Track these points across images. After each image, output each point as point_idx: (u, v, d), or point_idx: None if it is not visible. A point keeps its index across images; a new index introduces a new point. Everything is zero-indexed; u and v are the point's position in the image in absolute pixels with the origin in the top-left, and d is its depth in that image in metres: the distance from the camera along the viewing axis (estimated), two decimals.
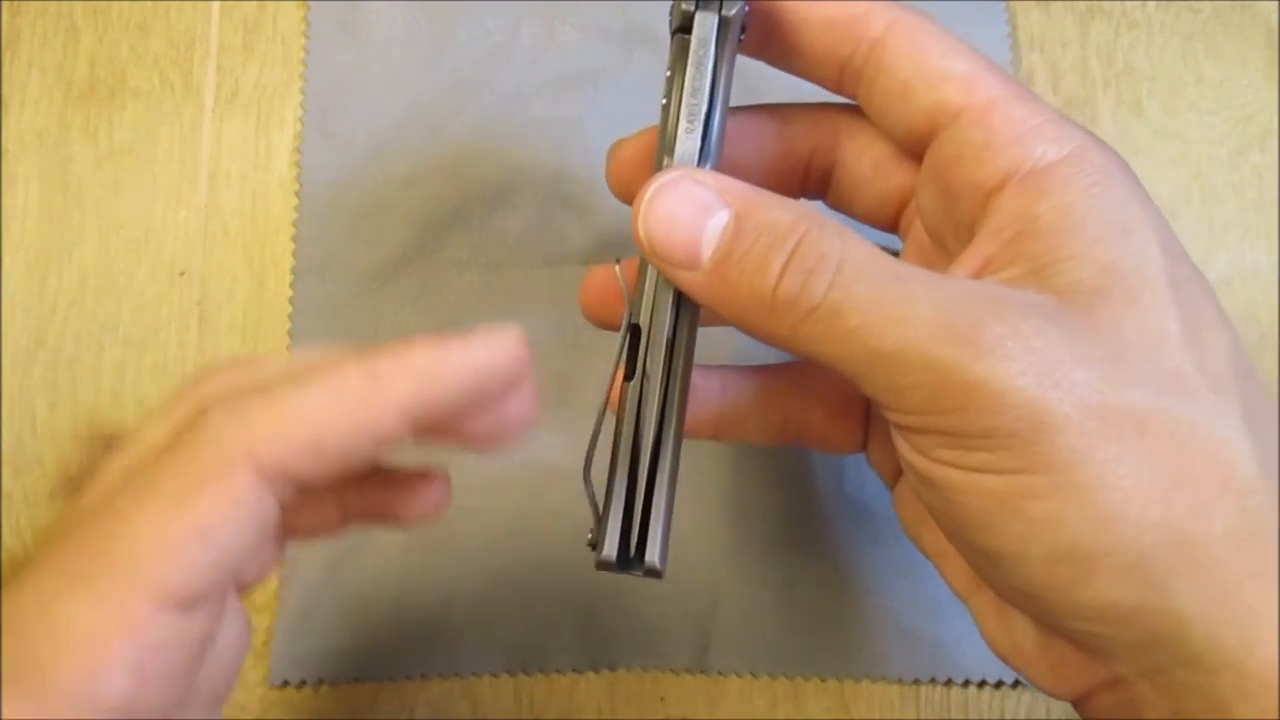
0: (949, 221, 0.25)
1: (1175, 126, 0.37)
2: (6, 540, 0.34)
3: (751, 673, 0.34)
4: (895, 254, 0.28)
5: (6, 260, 0.36)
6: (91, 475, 0.23)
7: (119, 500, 0.20)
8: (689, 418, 0.25)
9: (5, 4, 0.38)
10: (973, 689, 0.33)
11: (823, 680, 0.34)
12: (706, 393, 0.28)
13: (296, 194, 0.37)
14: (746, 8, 0.24)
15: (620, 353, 0.24)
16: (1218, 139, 0.37)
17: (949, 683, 0.33)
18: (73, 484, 0.34)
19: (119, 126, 0.37)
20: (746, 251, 0.22)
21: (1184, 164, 0.37)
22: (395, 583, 0.34)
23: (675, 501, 0.24)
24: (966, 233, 0.24)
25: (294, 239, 0.36)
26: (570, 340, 0.35)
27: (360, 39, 0.38)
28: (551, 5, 0.38)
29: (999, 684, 0.33)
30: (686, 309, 0.24)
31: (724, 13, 0.24)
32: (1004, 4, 0.38)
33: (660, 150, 0.24)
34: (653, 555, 0.23)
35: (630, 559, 0.23)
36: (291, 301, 0.36)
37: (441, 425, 0.22)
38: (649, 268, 0.24)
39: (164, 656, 0.20)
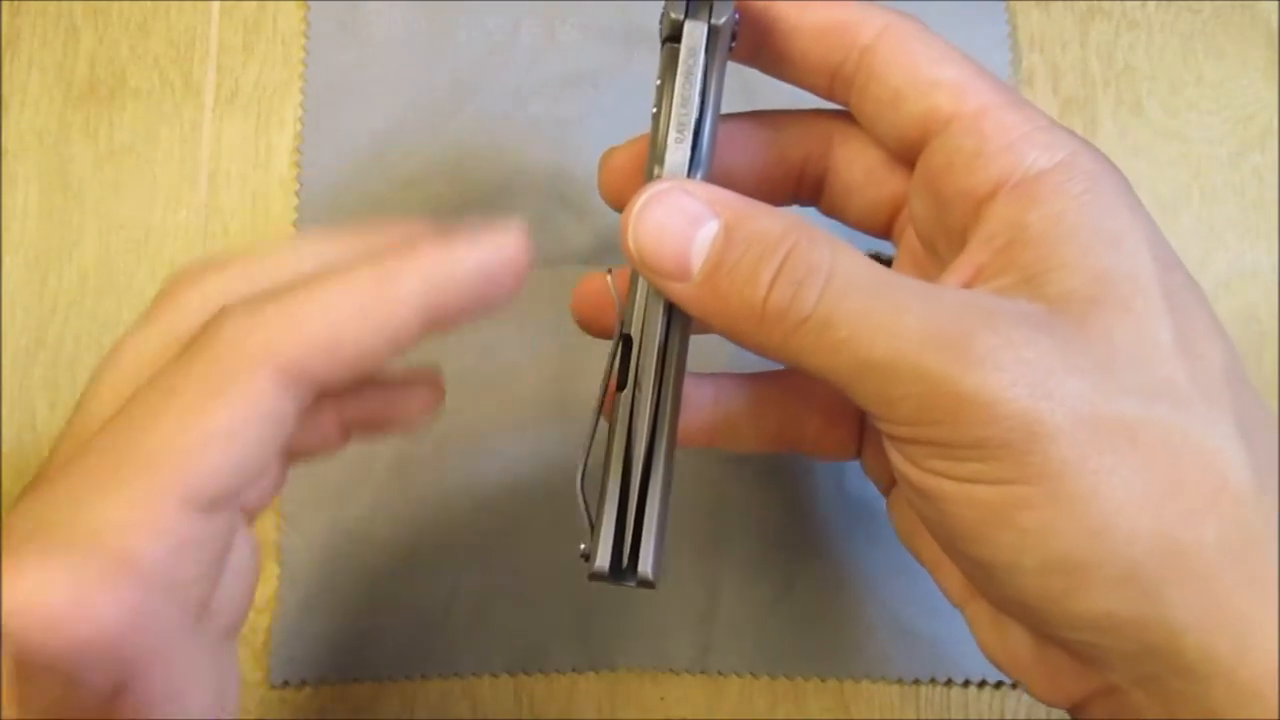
0: (941, 229, 0.25)
1: (1175, 126, 0.37)
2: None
3: (751, 673, 0.34)
4: (890, 259, 0.28)
5: (6, 260, 0.36)
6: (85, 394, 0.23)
7: (139, 406, 0.20)
8: (683, 426, 0.25)
9: (5, 4, 0.38)
10: (973, 689, 0.33)
11: (823, 680, 0.34)
12: (700, 401, 0.28)
13: (296, 194, 0.37)
14: (736, 16, 0.24)
15: (612, 363, 0.24)
16: (1218, 139, 0.37)
17: (949, 683, 0.33)
18: None
19: (119, 126, 0.37)
20: (736, 262, 0.22)
21: (1184, 164, 0.37)
22: (395, 583, 0.34)
23: (669, 512, 0.24)
24: (958, 240, 0.24)
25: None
26: (569, 340, 0.35)
27: (360, 39, 0.38)
28: (551, 5, 0.38)
29: (999, 684, 0.33)
30: (678, 319, 0.24)
31: (713, 21, 0.24)
32: (1004, 4, 0.38)
33: (651, 160, 0.24)
34: (645, 566, 0.23)
35: (623, 570, 0.23)
36: None
37: (450, 321, 0.22)
38: (640, 278, 0.24)
39: (190, 556, 0.20)
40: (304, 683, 0.33)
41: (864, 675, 0.33)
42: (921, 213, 0.25)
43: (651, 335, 0.24)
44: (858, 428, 0.29)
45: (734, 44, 0.25)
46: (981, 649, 0.25)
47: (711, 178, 0.24)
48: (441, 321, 0.21)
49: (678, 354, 0.24)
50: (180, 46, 0.38)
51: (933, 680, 0.33)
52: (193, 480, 0.19)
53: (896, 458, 0.22)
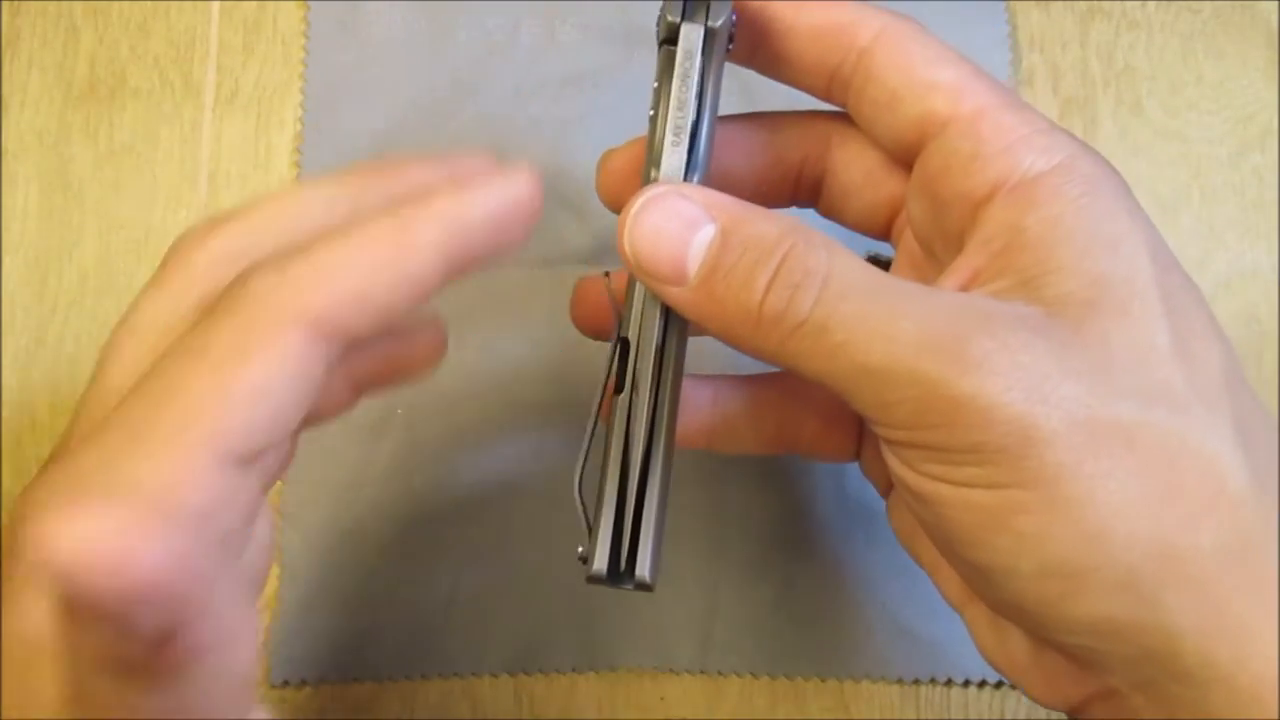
0: (938, 232, 0.24)
1: (1175, 126, 0.37)
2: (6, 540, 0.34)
3: (751, 673, 0.34)
4: (889, 261, 0.28)
5: (6, 260, 0.36)
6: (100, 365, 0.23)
7: (169, 367, 0.20)
8: (681, 428, 0.25)
9: (5, 4, 0.38)
10: (973, 689, 0.33)
11: (823, 680, 0.34)
12: (699, 403, 0.28)
13: None
14: (734, 18, 0.24)
15: (610, 366, 0.24)
16: (1218, 139, 0.37)
17: (949, 683, 0.33)
18: None
19: (119, 126, 0.37)
20: (732, 266, 0.22)
21: (1184, 164, 0.37)
22: (395, 582, 0.34)
23: (666, 515, 0.24)
24: (956, 243, 0.24)
25: None
26: (569, 340, 0.35)
27: (360, 39, 0.38)
28: (551, 5, 0.38)
29: (999, 684, 0.33)
30: (675, 322, 0.24)
31: (710, 24, 0.24)
32: (1004, 4, 0.38)
33: (648, 163, 0.24)
34: (643, 569, 0.23)
35: (621, 573, 0.23)
36: None
37: (469, 266, 0.22)
38: (637, 281, 0.24)
39: (226, 512, 0.20)
40: (304, 682, 0.33)
41: (864, 675, 0.33)
42: (919, 215, 0.25)
43: (649, 339, 0.24)
44: (856, 430, 0.29)
45: (731, 45, 0.25)
46: (980, 652, 0.25)
47: (709, 180, 0.24)
48: (462, 267, 0.21)
49: (675, 357, 0.24)
50: (180, 46, 0.38)
51: (933, 680, 0.33)
52: (227, 437, 0.19)
53: (893, 462, 0.22)
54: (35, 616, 0.19)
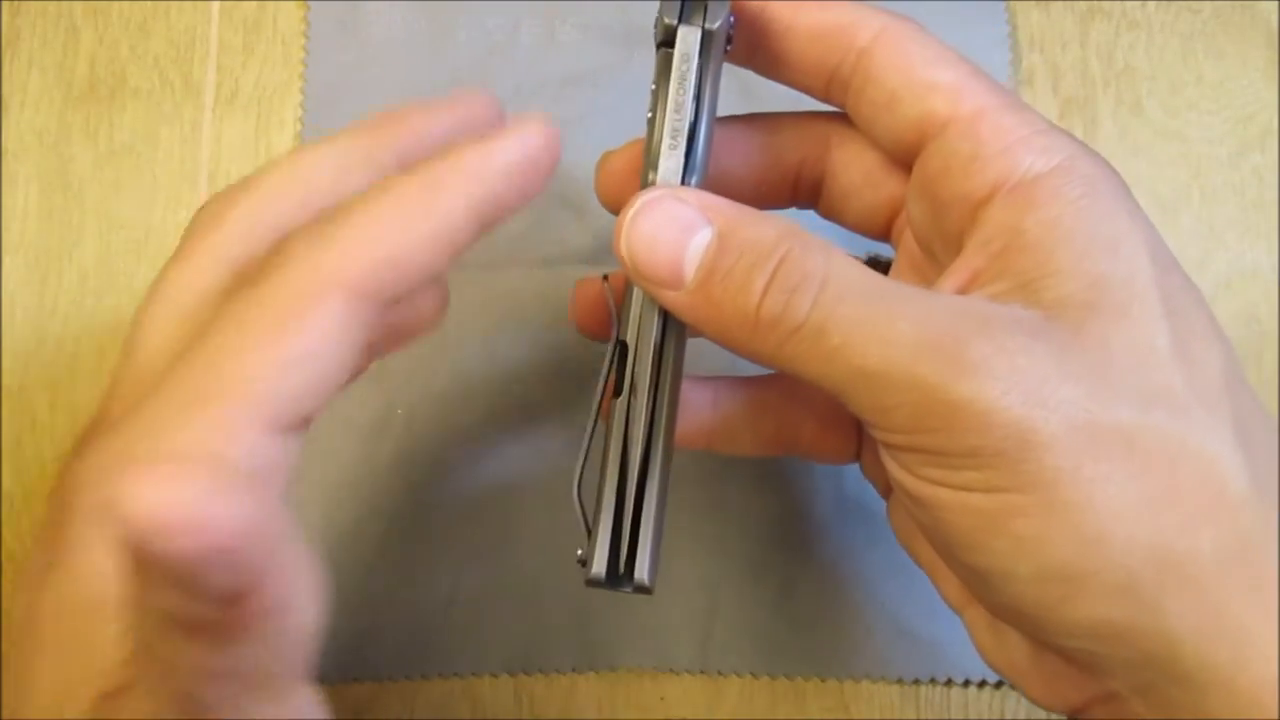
0: (938, 233, 0.24)
1: (1175, 126, 0.37)
2: (6, 540, 0.34)
3: (751, 673, 0.34)
4: (889, 262, 0.28)
5: (6, 260, 0.36)
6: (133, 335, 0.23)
7: (214, 337, 0.20)
8: (681, 429, 0.25)
9: (5, 4, 0.38)
10: (973, 689, 0.33)
11: (823, 680, 0.34)
12: (699, 404, 0.28)
13: None
14: (731, 19, 0.24)
15: (608, 369, 0.24)
16: (1218, 139, 0.37)
17: (949, 683, 0.33)
18: None
19: (119, 126, 0.37)
20: (729, 270, 0.22)
21: (1184, 164, 0.37)
22: (395, 583, 0.34)
23: (665, 518, 0.24)
24: (955, 244, 0.24)
25: None
26: (569, 339, 0.35)
27: (360, 39, 0.38)
28: (551, 5, 0.38)
29: (999, 684, 0.33)
30: (673, 325, 0.24)
31: (707, 26, 0.24)
32: (1004, 4, 0.38)
33: (645, 166, 0.24)
34: (642, 572, 0.23)
35: (620, 576, 0.23)
36: None
37: (497, 219, 0.22)
38: (635, 284, 0.24)
39: (275, 478, 0.20)
40: None
41: (864, 675, 0.33)
42: (919, 216, 0.25)
43: (647, 342, 0.24)
44: (856, 431, 0.29)
45: (729, 46, 0.25)
46: (980, 654, 0.25)
47: (707, 182, 0.24)
48: (491, 220, 0.22)
49: (674, 360, 0.24)
50: (180, 46, 0.38)
51: (933, 680, 0.33)
52: (275, 404, 0.20)
53: (892, 465, 0.22)
54: (97, 575, 0.20)
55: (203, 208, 0.23)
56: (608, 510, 0.23)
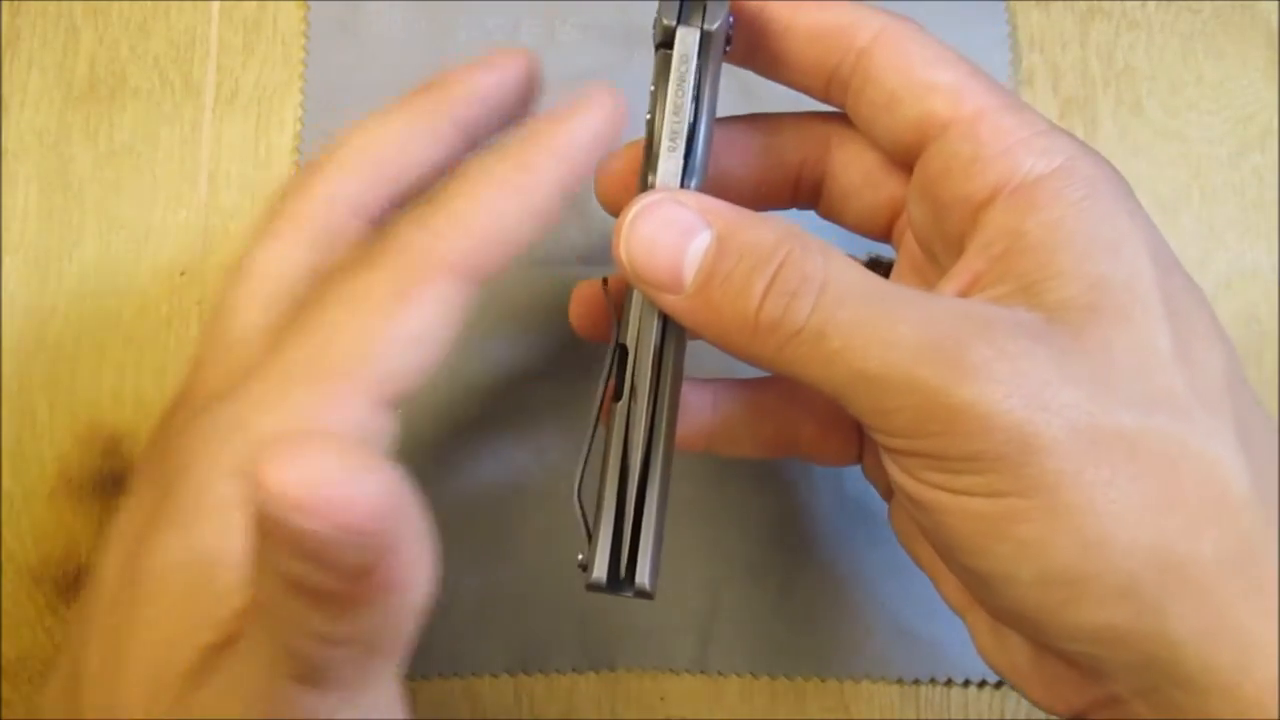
0: (939, 235, 0.24)
1: (1175, 126, 0.37)
2: (6, 540, 0.34)
3: (751, 673, 0.34)
4: (890, 263, 0.28)
5: (6, 260, 0.36)
6: (221, 307, 0.24)
7: (324, 315, 0.21)
8: (681, 432, 0.25)
9: (5, 4, 0.38)
10: (973, 689, 0.33)
11: (823, 680, 0.34)
12: (699, 406, 0.28)
13: None
14: (730, 20, 0.24)
15: (607, 373, 0.24)
16: (1218, 139, 0.37)
17: (949, 683, 0.33)
18: (73, 484, 0.34)
19: (119, 126, 0.37)
20: (729, 274, 0.22)
21: (1184, 164, 0.37)
22: None
23: (666, 521, 0.24)
24: (956, 246, 0.23)
25: None
26: (569, 340, 0.35)
27: (360, 39, 0.38)
28: (551, 5, 0.38)
29: (999, 684, 0.33)
30: (673, 329, 0.24)
31: (706, 27, 0.23)
32: (1004, 4, 0.38)
33: (644, 168, 0.24)
34: (642, 577, 0.23)
35: (620, 580, 0.23)
36: None
37: (575, 191, 0.23)
38: (634, 288, 0.24)
39: (384, 452, 0.21)
40: None
41: (864, 675, 0.33)
42: (919, 218, 0.25)
43: (646, 345, 0.24)
44: (857, 433, 0.28)
45: (728, 47, 0.25)
46: (981, 656, 0.25)
47: (707, 184, 0.24)
48: (572, 191, 0.23)
49: (674, 363, 0.24)
50: (180, 46, 0.38)
51: (932, 680, 0.33)
52: (384, 381, 0.21)
53: (893, 469, 0.22)
54: (215, 534, 0.20)
55: (282, 186, 0.25)
56: (608, 514, 0.23)
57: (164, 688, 0.20)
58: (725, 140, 0.26)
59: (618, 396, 0.24)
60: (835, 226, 0.28)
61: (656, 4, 0.24)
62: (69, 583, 0.34)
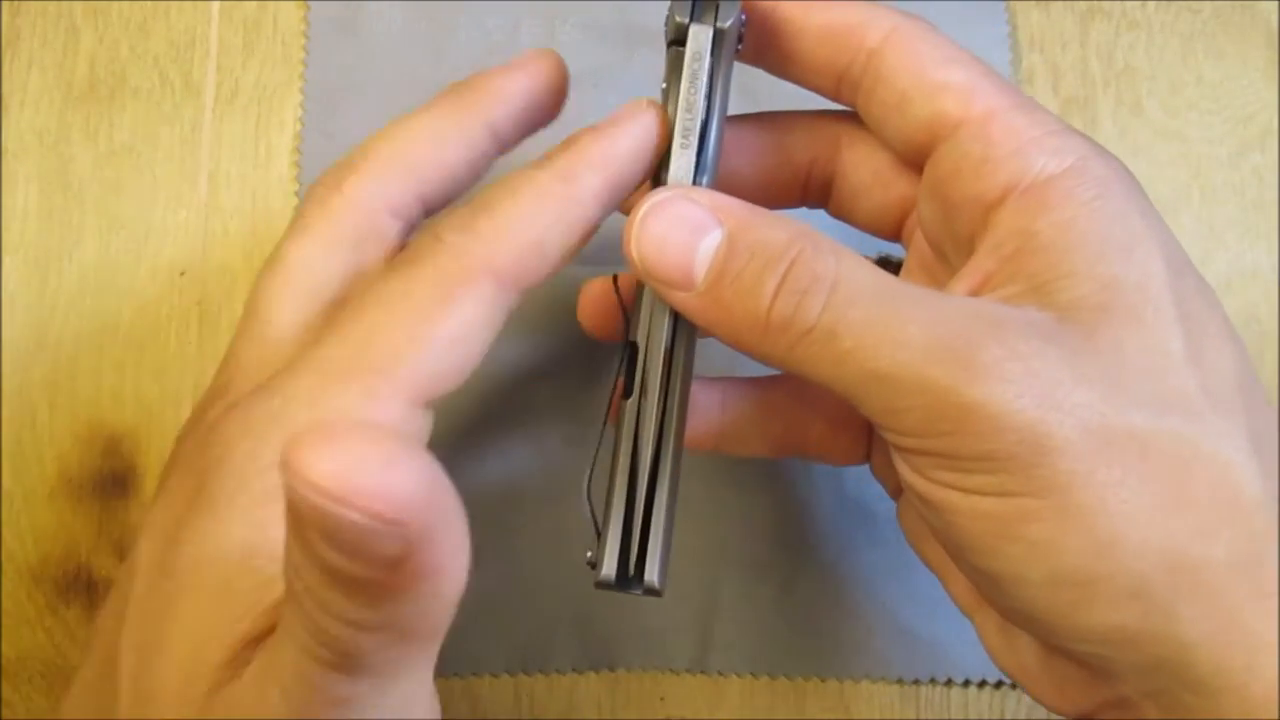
0: (949, 235, 0.24)
1: (1175, 126, 0.37)
2: (6, 540, 0.34)
3: (751, 673, 0.34)
4: (900, 262, 0.28)
5: (6, 260, 0.36)
6: (254, 302, 0.24)
7: (363, 314, 0.22)
8: (690, 431, 0.25)
9: (5, 4, 0.38)
10: (973, 689, 0.33)
11: (823, 680, 0.34)
12: (707, 406, 0.28)
13: (296, 194, 0.37)
14: (743, 18, 0.24)
15: (618, 370, 0.24)
16: (1218, 139, 0.37)
17: (949, 683, 0.33)
18: (73, 484, 0.34)
19: (119, 126, 0.37)
20: (740, 272, 0.22)
21: (1184, 164, 0.37)
22: None
23: (675, 519, 0.24)
24: (967, 246, 0.23)
25: None
26: (574, 340, 0.35)
27: (360, 39, 0.38)
28: (551, 5, 0.38)
29: (999, 684, 0.33)
30: (684, 327, 0.24)
31: (719, 25, 0.24)
32: (1004, 4, 0.38)
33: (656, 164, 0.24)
34: (652, 575, 0.23)
35: (629, 578, 0.23)
36: None
37: (621, 199, 0.24)
38: (645, 285, 0.24)
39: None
40: None
41: (864, 675, 0.33)
42: (930, 218, 0.25)
43: (657, 343, 0.24)
44: (866, 432, 0.28)
45: (740, 45, 0.25)
46: (990, 656, 0.25)
47: (718, 182, 0.24)
48: (618, 202, 0.23)
49: (684, 361, 0.24)
50: (180, 46, 0.38)
51: (933, 680, 0.33)
52: (422, 381, 0.21)
53: (903, 468, 0.22)
54: (252, 526, 0.20)
55: (314, 184, 0.25)
56: (618, 512, 0.23)
57: (200, 678, 0.20)
58: (735, 139, 0.26)
59: (628, 394, 0.24)
60: (845, 225, 0.28)
61: (659, 3, 0.24)
62: (69, 583, 0.34)
